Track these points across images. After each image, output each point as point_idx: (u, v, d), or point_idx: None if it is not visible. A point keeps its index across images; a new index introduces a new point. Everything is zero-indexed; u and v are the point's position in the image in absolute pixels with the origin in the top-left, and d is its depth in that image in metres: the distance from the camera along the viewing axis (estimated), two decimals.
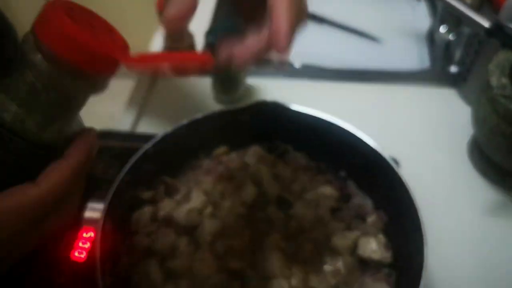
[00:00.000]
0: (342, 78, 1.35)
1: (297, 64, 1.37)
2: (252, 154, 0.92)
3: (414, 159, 0.77)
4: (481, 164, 1.08)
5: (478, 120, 0.99)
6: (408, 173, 0.77)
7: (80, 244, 0.90)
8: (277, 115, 0.88)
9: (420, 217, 0.69)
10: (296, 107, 0.86)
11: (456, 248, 0.93)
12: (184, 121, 0.86)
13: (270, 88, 1.29)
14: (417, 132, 1.17)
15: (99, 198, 0.76)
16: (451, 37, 1.35)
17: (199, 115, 0.87)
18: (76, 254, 0.88)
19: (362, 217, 0.83)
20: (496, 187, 1.05)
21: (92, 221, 0.76)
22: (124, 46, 0.50)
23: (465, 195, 1.04)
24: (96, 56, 0.45)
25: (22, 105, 0.43)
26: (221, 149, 0.94)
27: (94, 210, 0.77)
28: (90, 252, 0.88)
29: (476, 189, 1.05)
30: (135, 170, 0.80)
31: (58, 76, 0.44)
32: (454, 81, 1.30)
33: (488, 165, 1.06)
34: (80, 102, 0.50)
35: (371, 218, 0.82)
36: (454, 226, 0.96)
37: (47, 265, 0.86)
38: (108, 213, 0.74)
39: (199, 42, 1.17)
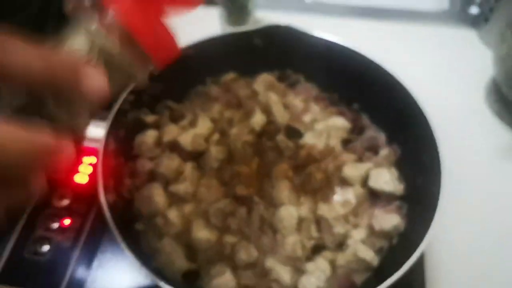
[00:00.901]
0: (355, 15, 1.28)
1: None
2: (262, 81, 0.88)
3: (429, 101, 0.73)
4: (498, 107, 1.04)
5: (500, 58, 0.94)
6: None
7: (82, 170, 0.88)
8: (289, 41, 0.83)
9: (438, 147, 0.67)
10: (310, 32, 0.81)
11: (470, 189, 0.90)
12: (191, 42, 0.81)
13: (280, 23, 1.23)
14: (433, 74, 1.12)
15: (102, 118, 0.72)
16: None
17: (206, 36, 0.82)
18: (78, 178, 0.87)
19: (374, 150, 0.80)
20: None
21: (95, 141, 0.72)
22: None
23: (480, 137, 1.01)
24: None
25: None
26: (230, 75, 0.89)
27: (96, 129, 0.73)
28: (92, 175, 0.86)
29: (492, 132, 1.02)
30: (138, 90, 0.76)
31: (111, 48, 0.39)
32: (474, 23, 1.24)
33: (505, 108, 1.02)
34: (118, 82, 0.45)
35: (384, 151, 0.79)
36: (468, 168, 0.94)
37: (54, 187, 0.84)
38: (110, 132, 0.71)
39: None
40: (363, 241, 0.70)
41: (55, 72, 0.29)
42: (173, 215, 0.73)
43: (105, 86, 0.32)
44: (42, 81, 0.29)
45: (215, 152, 0.79)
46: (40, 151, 0.29)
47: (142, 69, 0.44)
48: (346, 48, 0.78)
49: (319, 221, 0.70)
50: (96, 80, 0.32)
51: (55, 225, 0.80)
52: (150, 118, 0.82)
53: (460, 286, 0.79)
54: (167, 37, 0.44)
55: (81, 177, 0.86)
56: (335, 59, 0.80)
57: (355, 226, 0.72)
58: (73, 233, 0.80)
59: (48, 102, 0.33)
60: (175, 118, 0.86)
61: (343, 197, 0.74)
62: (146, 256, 0.69)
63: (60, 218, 0.81)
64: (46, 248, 0.78)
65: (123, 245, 0.58)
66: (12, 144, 0.27)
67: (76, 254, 0.77)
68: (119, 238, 0.59)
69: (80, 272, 0.76)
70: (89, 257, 0.77)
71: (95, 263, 0.77)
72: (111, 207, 0.64)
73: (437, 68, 1.14)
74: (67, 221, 0.81)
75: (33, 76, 0.29)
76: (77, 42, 0.37)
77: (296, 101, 0.88)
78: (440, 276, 0.78)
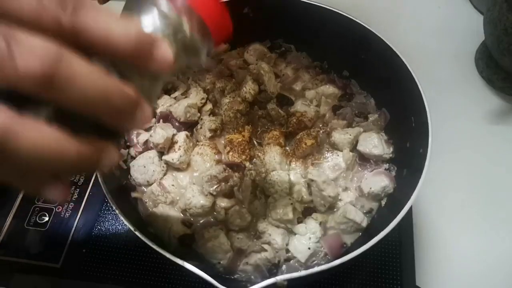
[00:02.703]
0: None
1: None
2: (253, 51, 0.88)
3: (419, 65, 0.74)
4: (487, 72, 1.05)
5: (491, 21, 0.94)
6: None
7: None
8: (278, 7, 0.83)
9: (426, 109, 0.67)
10: None
11: (458, 151, 0.92)
12: None
13: None
14: (423, 38, 1.13)
15: None
16: None
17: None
18: None
19: (364, 116, 0.81)
20: (502, 94, 1.03)
21: None
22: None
23: (469, 102, 1.02)
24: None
25: None
26: (221, 46, 0.90)
27: None
28: None
29: (481, 97, 1.03)
30: None
31: (180, 27, 0.39)
32: None
33: (494, 72, 1.03)
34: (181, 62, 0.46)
35: (373, 116, 0.81)
36: (456, 132, 0.95)
37: None
38: None
39: None
40: (353, 203, 0.72)
41: (133, 41, 0.31)
42: (168, 183, 0.75)
43: (172, 58, 0.34)
44: (121, 48, 0.31)
45: (208, 122, 0.80)
46: (127, 100, 0.32)
47: (205, 48, 0.44)
48: (335, 12, 0.78)
49: (310, 185, 0.72)
50: (165, 52, 0.34)
51: None
52: None
53: (447, 244, 0.81)
54: (225, 16, 0.45)
55: None
56: (325, 25, 0.80)
57: (345, 189, 0.74)
58: (72, 203, 0.82)
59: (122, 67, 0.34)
60: (168, 90, 0.87)
61: (333, 162, 0.76)
62: (143, 222, 0.72)
63: None
64: (46, 218, 0.80)
65: (118, 212, 0.60)
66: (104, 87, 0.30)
67: (75, 223, 0.80)
68: (114, 205, 0.61)
69: (80, 241, 0.78)
70: (88, 226, 0.80)
71: (94, 232, 0.79)
72: (107, 176, 0.66)
73: (428, 32, 1.15)
74: None
75: (113, 43, 0.31)
76: (148, 21, 0.38)
77: (287, 70, 0.89)
78: (428, 236, 0.80)
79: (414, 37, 1.10)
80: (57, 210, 0.81)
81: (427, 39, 1.13)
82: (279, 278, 0.55)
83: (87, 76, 0.29)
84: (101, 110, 0.31)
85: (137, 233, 0.58)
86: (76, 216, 0.81)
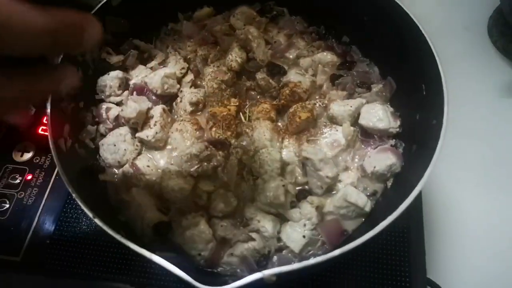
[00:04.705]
0: None
1: None
2: (240, 15, 0.78)
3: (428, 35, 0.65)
4: (502, 40, 0.95)
5: None
6: None
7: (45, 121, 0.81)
8: None
9: (441, 74, 0.58)
10: None
11: (470, 128, 0.83)
12: None
13: None
14: (431, 5, 1.03)
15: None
16: None
17: None
18: (41, 130, 0.79)
19: (367, 86, 0.72)
20: None
21: None
22: None
23: (482, 73, 0.93)
24: None
25: None
26: (205, 10, 0.80)
27: None
28: None
29: (494, 67, 0.94)
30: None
31: None
32: None
33: (511, 41, 0.93)
34: None
35: (378, 86, 0.71)
36: (468, 106, 0.86)
37: (15, 140, 0.78)
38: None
39: None
40: (354, 185, 0.63)
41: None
42: (142, 163, 0.65)
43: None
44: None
45: (189, 94, 0.71)
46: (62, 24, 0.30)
47: None
48: None
49: (305, 165, 0.63)
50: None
51: (16, 181, 0.73)
52: (114, 59, 0.73)
53: (462, 230, 0.72)
54: None
55: (43, 130, 0.79)
56: None
57: (345, 168, 0.65)
58: (36, 189, 0.73)
59: None
60: (144, 59, 0.77)
61: (331, 138, 0.66)
62: (112, 209, 0.62)
63: (21, 173, 0.74)
64: (5, 206, 0.71)
65: (75, 196, 0.51)
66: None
67: (39, 211, 0.71)
68: (70, 188, 0.51)
69: (44, 231, 0.69)
70: (53, 215, 0.70)
71: (60, 221, 0.70)
72: (64, 153, 0.57)
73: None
74: (29, 177, 0.74)
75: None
76: None
77: (280, 37, 0.79)
78: (438, 221, 0.71)
79: (420, 4, 1.00)
80: (19, 196, 0.72)
81: (434, 6, 1.03)
82: (267, 272, 0.46)
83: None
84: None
85: (96, 220, 0.49)
86: (41, 203, 0.71)
